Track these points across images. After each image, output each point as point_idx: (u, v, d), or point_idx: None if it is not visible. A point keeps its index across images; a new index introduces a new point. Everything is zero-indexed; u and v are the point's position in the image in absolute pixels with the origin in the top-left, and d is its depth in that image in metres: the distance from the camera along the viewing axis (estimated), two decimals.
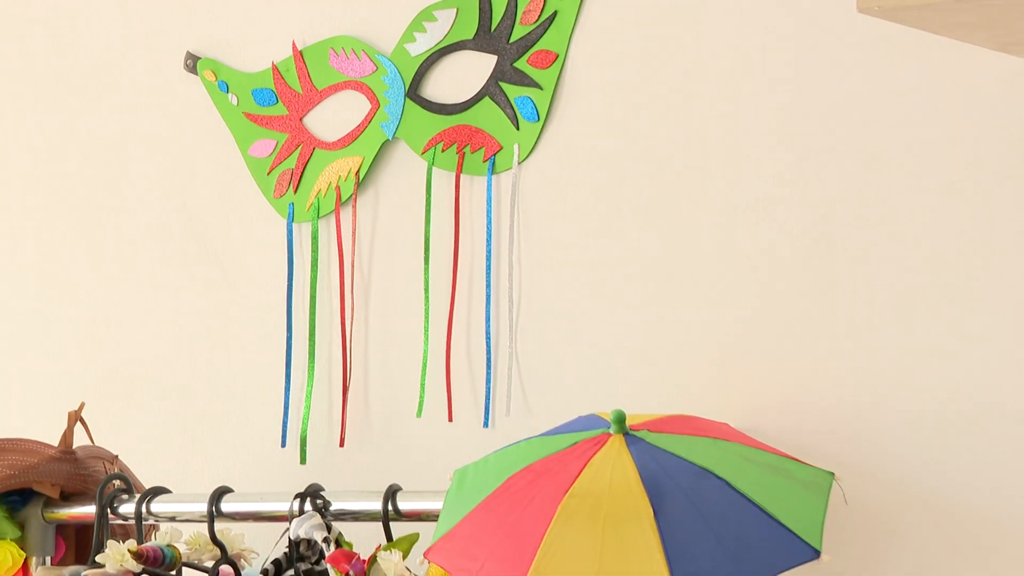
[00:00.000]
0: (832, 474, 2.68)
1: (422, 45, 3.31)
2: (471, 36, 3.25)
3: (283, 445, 3.42)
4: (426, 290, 3.28)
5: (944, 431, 2.82)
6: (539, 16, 3.16)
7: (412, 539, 2.91)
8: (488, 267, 3.24)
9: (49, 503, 3.24)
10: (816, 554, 2.54)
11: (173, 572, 3.06)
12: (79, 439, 3.27)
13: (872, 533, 2.87)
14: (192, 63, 3.57)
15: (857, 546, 2.87)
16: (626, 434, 2.65)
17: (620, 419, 2.65)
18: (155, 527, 3.16)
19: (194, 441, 3.54)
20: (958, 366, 2.82)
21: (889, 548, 2.86)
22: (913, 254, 2.86)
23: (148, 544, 3.05)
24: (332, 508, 3.00)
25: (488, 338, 3.23)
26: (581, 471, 2.59)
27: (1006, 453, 2.76)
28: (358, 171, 3.36)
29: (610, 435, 2.65)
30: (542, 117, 3.17)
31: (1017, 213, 2.78)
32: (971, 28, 2.60)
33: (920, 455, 2.83)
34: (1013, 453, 2.76)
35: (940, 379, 2.83)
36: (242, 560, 3.07)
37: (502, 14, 3.21)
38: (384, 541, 2.93)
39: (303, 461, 3.39)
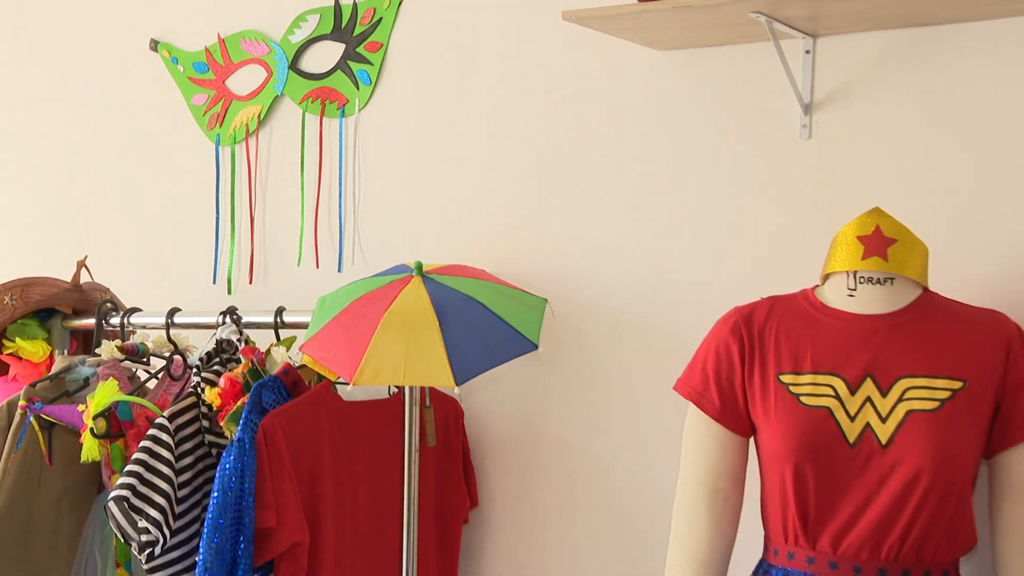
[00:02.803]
0: (546, 300, 2.79)
1: (299, 36, 3.34)
2: (330, 31, 3.28)
3: (214, 282, 3.47)
4: (302, 188, 3.34)
5: (617, 273, 2.92)
6: (371, 20, 3.21)
7: (291, 340, 2.96)
8: (340, 174, 3.28)
9: (65, 317, 3.26)
10: (535, 347, 2.65)
11: (145, 359, 3.11)
12: (84, 278, 3.31)
13: (572, 327, 2.97)
14: (154, 45, 3.59)
15: (562, 342, 2.97)
16: (423, 276, 2.70)
17: (419, 267, 2.72)
18: (132, 332, 3.19)
19: (157, 279, 3.57)
20: (621, 233, 2.92)
21: (584, 343, 2.97)
22: (595, 170, 2.95)
23: (128, 342, 3.11)
24: (243, 321, 3.05)
25: (340, 218, 3.28)
26: (395, 298, 2.64)
27: (665, 285, 2.87)
28: (259, 114, 3.39)
29: (413, 276, 2.70)
30: (373, 82, 3.22)
31: (645, 141, 2.89)
32: (631, 32, 2.73)
33: (602, 288, 2.94)
34: (668, 285, 2.87)
35: (613, 241, 2.93)
36: (187, 352, 3.12)
37: (348, 18, 3.25)
38: (275, 341, 2.97)
39: (229, 292, 3.43)
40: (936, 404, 2.27)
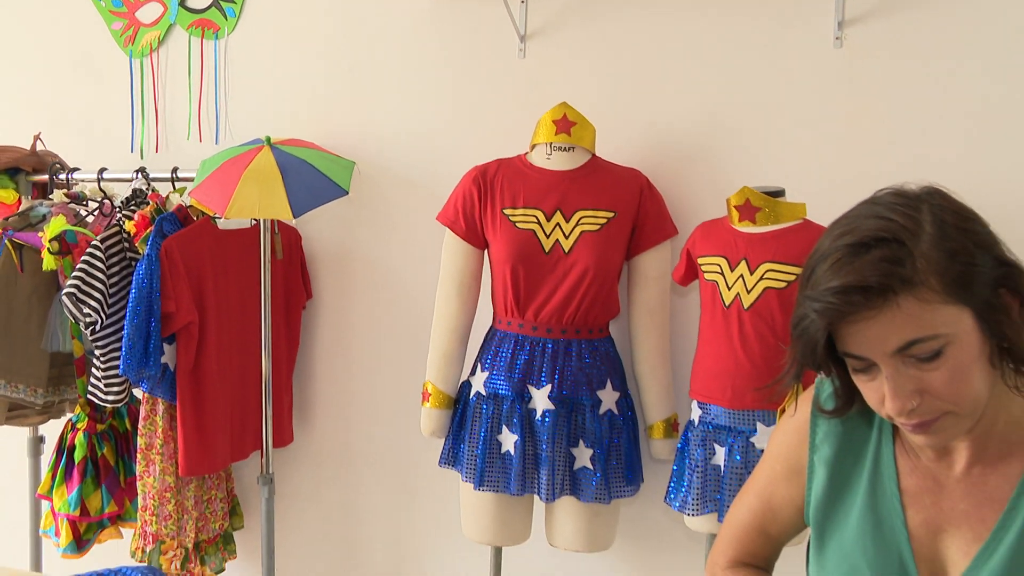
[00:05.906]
0: (354, 162, 2.72)
1: None
2: None
3: (131, 151, 3.29)
4: (189, 87, 3.17)
5: (401, 145, 2.84)
6: None
7: (183, 189, 2.88)
8: (216, 78, 3.13)
9: (28, 174, 3.09)
10: (347, 193, 2.59)
11: (84, 202, 2.98)
12: (39, 147, 3.15)
13: (372, 180, 2.89)
14: None
15: (365, 190, 2.90)
16: (271, 146, 2.63)
17: (268, 139, 2.65)
18: (75, 184, 3.05)
19: (91, 148, 3.34)
20: (404, 120, 2.86)
21: (379, 191, 2.90)
22: (390, 78, 2.86)
23: (72, 191, 2.99)
24: (151, 176, 2.93)
25: (216, 107, 3.13)
26: (252, 160, 2.58)
27: (431, 153, 2.80)
28: (159, 37, 3.21)
29: (264, 146, 2.63)
30: (237, 16, 3.08)
31: (419, 57, 2.81)
32: None
33: (391, 155, 2.86)
34: (433, 153, 2.80)
35: (399, 126, 2.84)
36: (113, 198, 2.98)
37: None
38: (172, 189, 2.88)
39: (142, 157, 3.26)
40: (598, 227, 2.32)
